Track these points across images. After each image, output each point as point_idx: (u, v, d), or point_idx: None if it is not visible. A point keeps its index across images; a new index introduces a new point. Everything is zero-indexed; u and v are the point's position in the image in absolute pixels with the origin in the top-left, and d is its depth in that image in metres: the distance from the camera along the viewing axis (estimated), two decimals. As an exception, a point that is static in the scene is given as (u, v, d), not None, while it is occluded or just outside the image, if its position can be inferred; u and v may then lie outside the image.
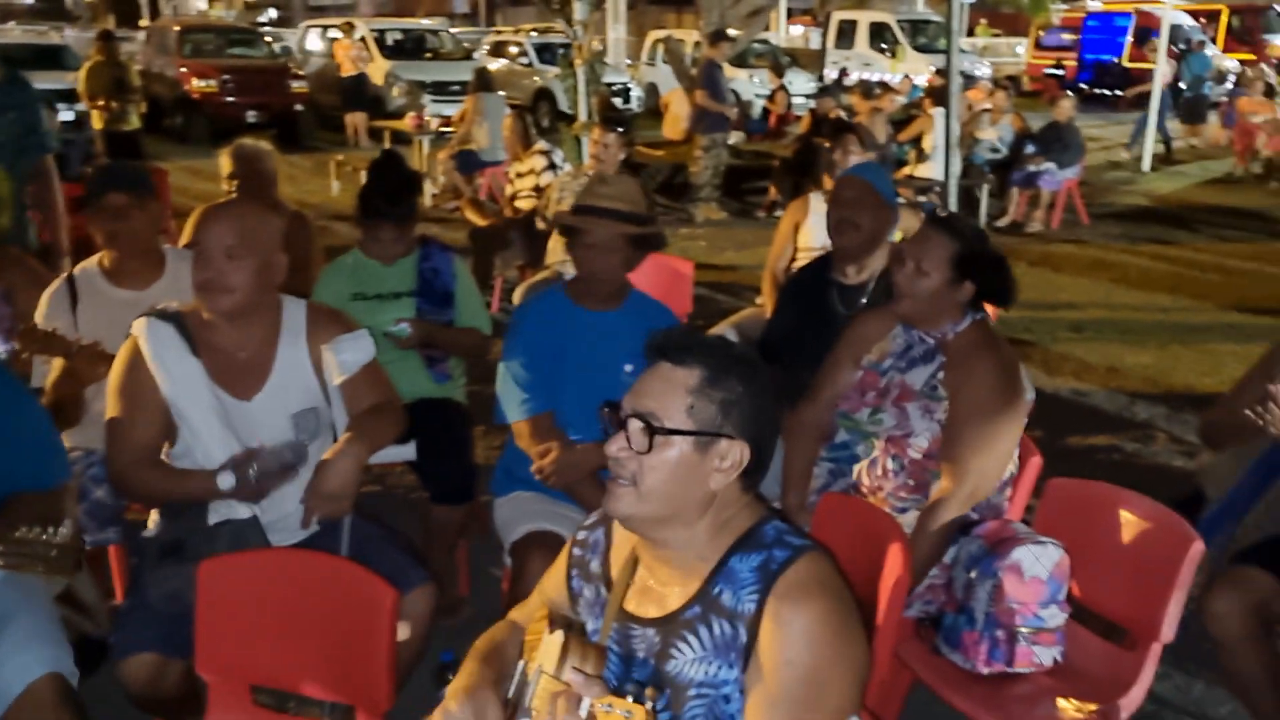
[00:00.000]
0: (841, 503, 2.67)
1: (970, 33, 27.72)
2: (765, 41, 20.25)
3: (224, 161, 4.40)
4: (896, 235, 4.04)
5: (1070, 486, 2.73)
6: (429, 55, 18.70)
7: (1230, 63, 20.26)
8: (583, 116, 8.80)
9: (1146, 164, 13.92)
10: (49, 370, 2.97)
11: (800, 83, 18.44)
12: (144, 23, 29.36)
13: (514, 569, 2.80)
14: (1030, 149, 10.46)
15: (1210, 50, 19.23)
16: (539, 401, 2.92)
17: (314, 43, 20.27)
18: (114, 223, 3.20)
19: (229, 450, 2.45)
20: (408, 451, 3.41)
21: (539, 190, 6.94)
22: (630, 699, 1.44)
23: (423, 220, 4.10)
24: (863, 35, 22.77)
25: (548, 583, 1.91)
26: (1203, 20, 22.08)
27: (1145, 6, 21.60)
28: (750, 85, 17.90)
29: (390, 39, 18.84)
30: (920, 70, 18.76)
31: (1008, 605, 2.46)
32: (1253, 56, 21.19)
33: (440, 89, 16.53)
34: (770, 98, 15.30)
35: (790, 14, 27.75)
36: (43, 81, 7.37)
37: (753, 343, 4.02)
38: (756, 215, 10.91)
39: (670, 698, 1.65)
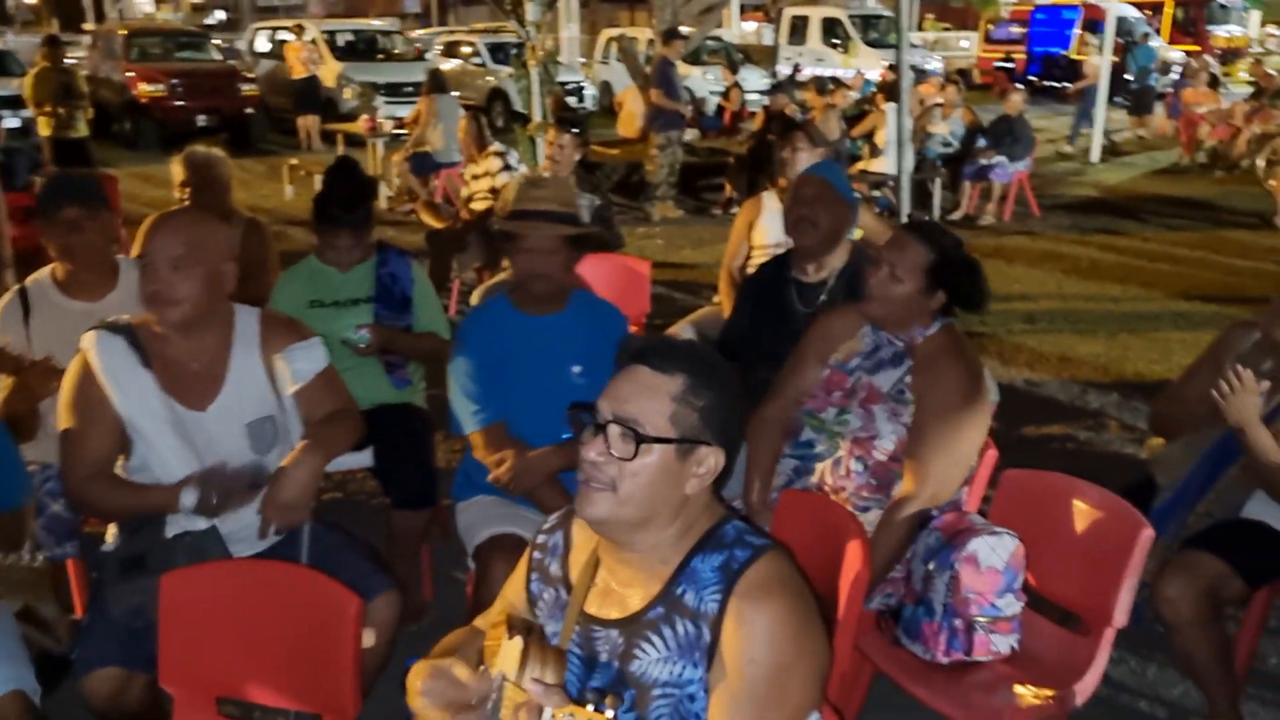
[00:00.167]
0: (802, 499, 2.70)
1: (919, 27, 27.95)
2: (718, 38, 20.28)
3: (176, 169, 4.34)
4: (856, 233, 4.07)
5: (1024, 478, 2.79)
6: (381, 56, 18.53)
7: (1175, 54, 20.61)
8: (537, 117, 8.77)
9: (1095, 155, 14.12)
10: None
11: (754, 79, 18.55)
12: (88, 26, 28.87)
13: (478, 573, 2.79)
14: (982, 143, 10.60)
15: (1155, 42, 19.55)
16: (490, 411, 2.93)
17: (263, 45, 20.03)
18: (68, 236, 3.16)
19: (185, 462, 2.44)
20: (365, 458, 3.40)
21: (495, 192, 6.91)
22: (591, 707, 1.45)
23: (378, 224, 4.08)
24: (815, 31, 22.95)
25: (509, 588, 1.90)
26: (1148, 13, 22.47)
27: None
28: (704, 82, 17.93)
29: (341, 40, 18.62)
30: (872, 65, 18.88)
31: (965, 595, 2.50)
32: (1197, 48, 21.59)
33: (393, 90, 16.38)
34: (724, 94, 15.36)
35: (743, 10, 27.81)
36: (-14, 87, 7.24)
37: (711, 341, 4.05)
38: (713, 212, 10.94)
39: (635, 698, 1.67)
